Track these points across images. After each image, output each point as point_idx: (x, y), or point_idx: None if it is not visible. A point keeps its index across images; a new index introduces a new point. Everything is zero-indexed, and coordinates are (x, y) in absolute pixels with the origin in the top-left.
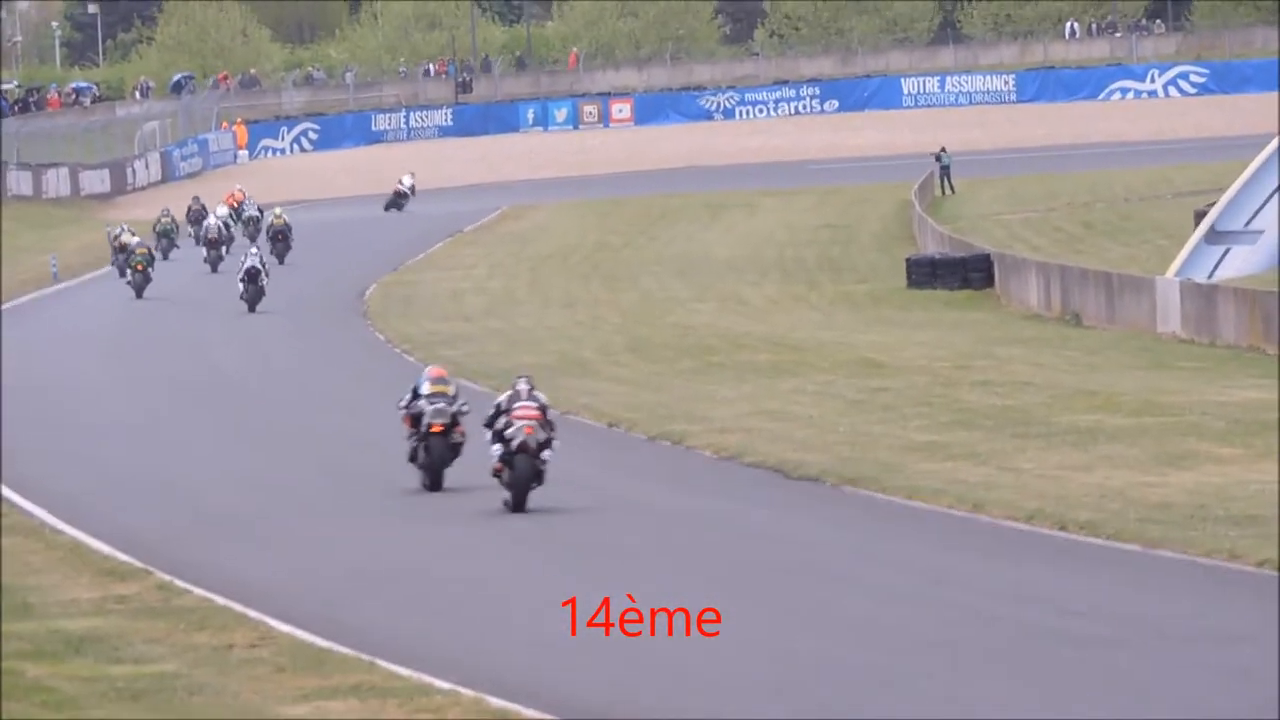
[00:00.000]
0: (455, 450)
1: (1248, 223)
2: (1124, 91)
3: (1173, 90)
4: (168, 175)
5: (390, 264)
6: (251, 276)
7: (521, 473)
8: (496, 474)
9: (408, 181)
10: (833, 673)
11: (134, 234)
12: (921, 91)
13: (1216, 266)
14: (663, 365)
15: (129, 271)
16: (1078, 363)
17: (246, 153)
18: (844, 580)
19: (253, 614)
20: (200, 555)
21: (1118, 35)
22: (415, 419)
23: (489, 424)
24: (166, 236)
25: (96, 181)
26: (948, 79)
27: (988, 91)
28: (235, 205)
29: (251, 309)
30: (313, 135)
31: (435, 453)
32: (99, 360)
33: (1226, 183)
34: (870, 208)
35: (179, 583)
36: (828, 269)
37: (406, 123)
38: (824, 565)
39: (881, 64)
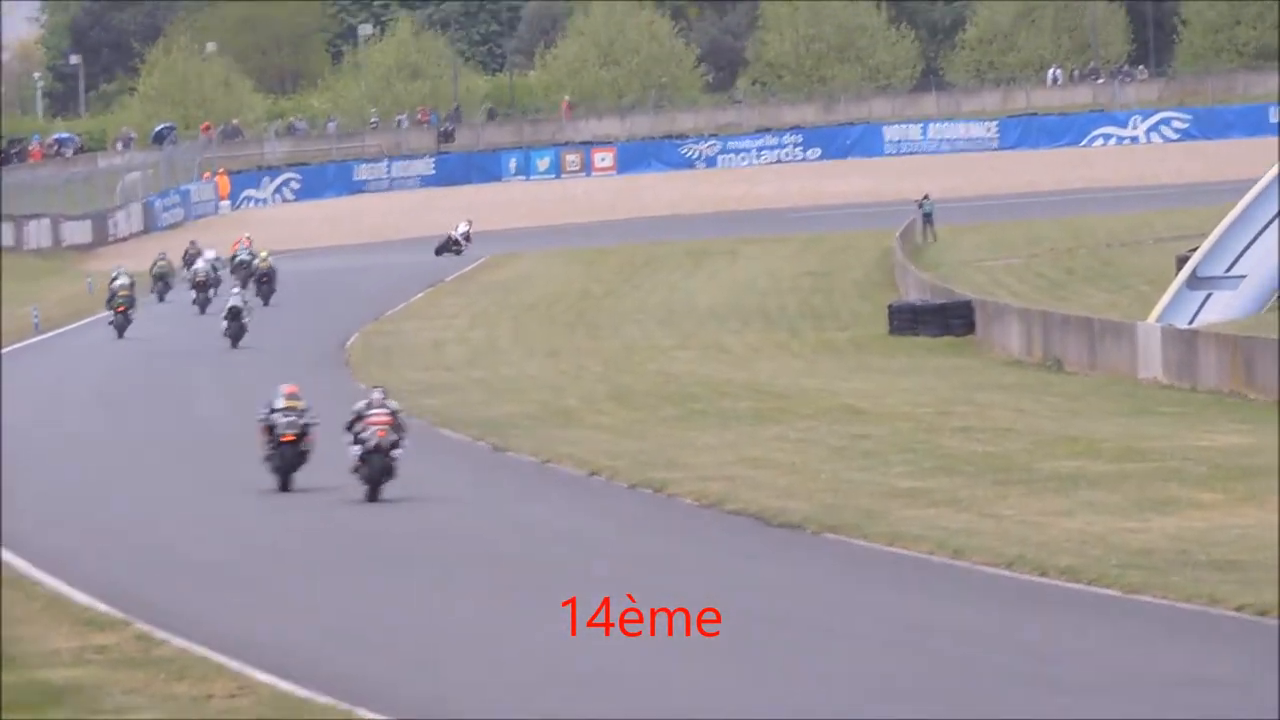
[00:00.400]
0: (303, 456)
1: (1229, 268)
2: (1106, 138)
3: (1155, 136)
4: (149, 226)
5: (372, 313)
6: (234, 314)
7: (375, 469)
8: (355, 470)
9: (462, 228)
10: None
11: (130, 277)
12: (904, 139)
13: (1198, 312)
14: (645, 413)
15: (111, 313)
16: (1059, 409)
17: (229, 203)
18: (825, 627)
19: (232, 664)
20: (179, 605)
21: (1100, 81)
22: (270, 429)
23: (349, 428)
24: (162, 279)
25: (78, 232)
26: (930, 126)
27: (970, 138)
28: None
29: (234, 344)
30: (295, 185)
31: (286, 458)
32: (79, 409)
33: (1208, 228)
34: (852, 255)
35: (158, 633)
36: (810, 316)
37: (389, 172)
38: (805, 612)
39: (864, 111)
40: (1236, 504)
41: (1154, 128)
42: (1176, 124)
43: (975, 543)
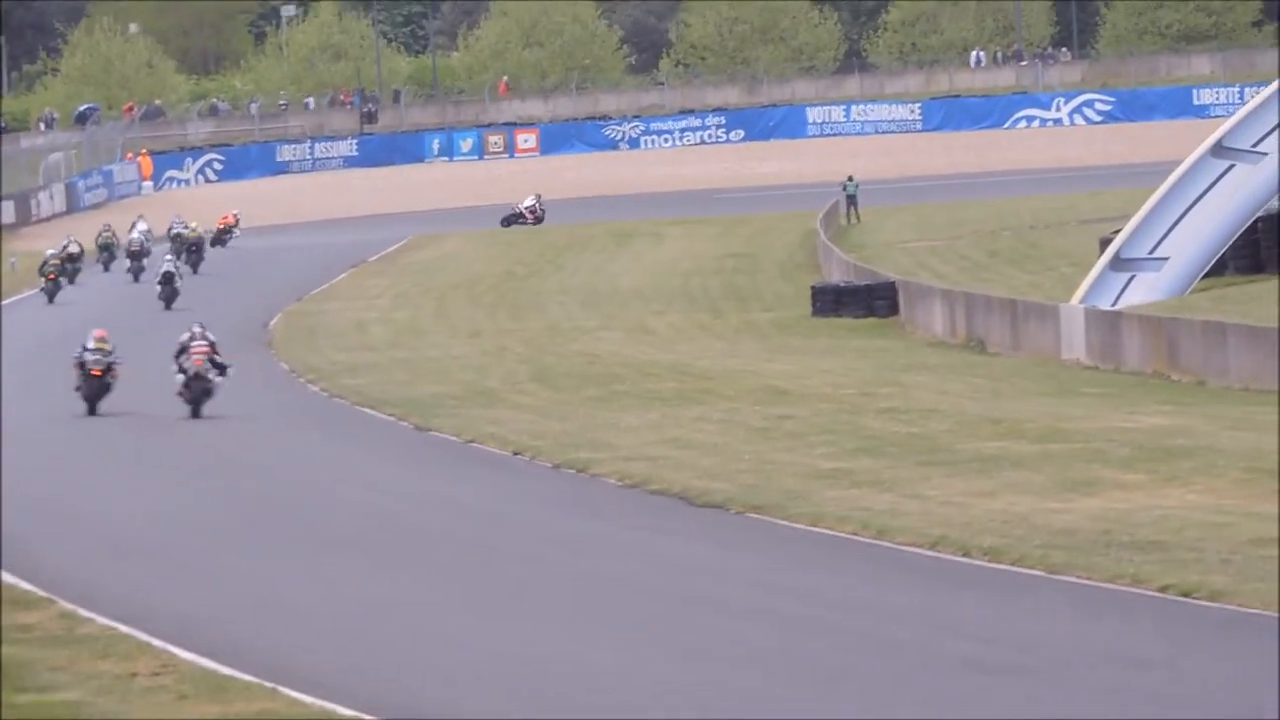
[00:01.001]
0: (107, 388)
1: (1152, 250)
2: (1029, 120)
3: (1078, 118)
4: (72, 206)
5: (294, 294)
6: (167, 279)
7: (196, 392)
8: (180, 394)
9: (528, 201)
10: (736, 703)
11: (79, 246)
12: (827, 120)
13: (1121, 293)
14: (568, 394)
15: (42, 280)
16: (982, 390)
17: (151, 184)
18: (748, 607)
19: (156, 642)
20: (103, 584)
21: (1023, 64)
22: (82, 365)
23: (176, 357)
24: (107, 250)
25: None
26: (853, 108)
27: (893, 120)
28: (225, 226)
29: (168, 306)
30: (218, 166)
31: (93, 389)
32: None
33: (1131, 210)
34: (776, 236)
35: (82, 612)
36: (733, 298)
37: (311, 153)
38: (727, 592)
39: (787, 93)
40: (1159, 485)
41: (1077, 110)
42: (1099, 106)
43: (899, 523)
